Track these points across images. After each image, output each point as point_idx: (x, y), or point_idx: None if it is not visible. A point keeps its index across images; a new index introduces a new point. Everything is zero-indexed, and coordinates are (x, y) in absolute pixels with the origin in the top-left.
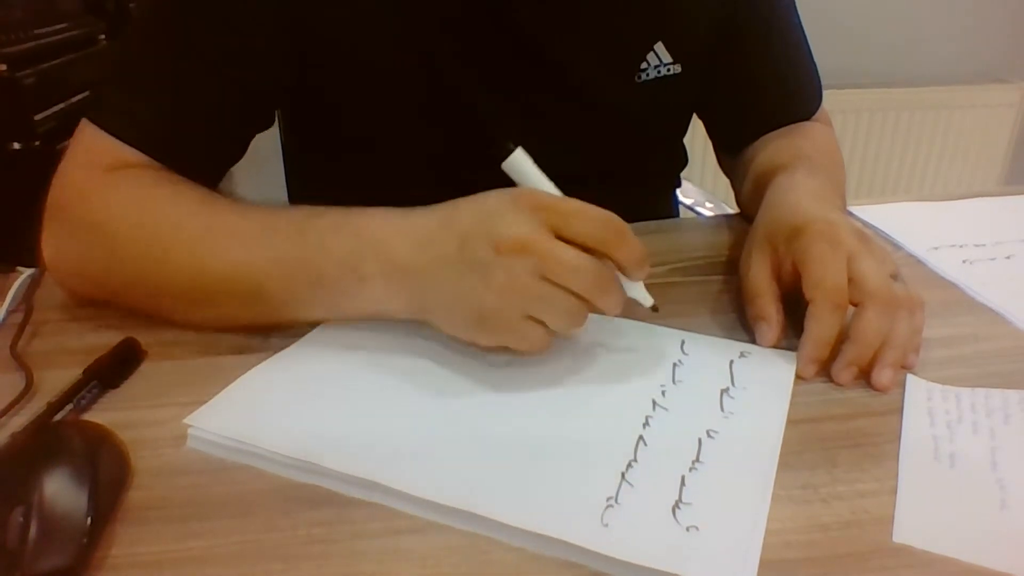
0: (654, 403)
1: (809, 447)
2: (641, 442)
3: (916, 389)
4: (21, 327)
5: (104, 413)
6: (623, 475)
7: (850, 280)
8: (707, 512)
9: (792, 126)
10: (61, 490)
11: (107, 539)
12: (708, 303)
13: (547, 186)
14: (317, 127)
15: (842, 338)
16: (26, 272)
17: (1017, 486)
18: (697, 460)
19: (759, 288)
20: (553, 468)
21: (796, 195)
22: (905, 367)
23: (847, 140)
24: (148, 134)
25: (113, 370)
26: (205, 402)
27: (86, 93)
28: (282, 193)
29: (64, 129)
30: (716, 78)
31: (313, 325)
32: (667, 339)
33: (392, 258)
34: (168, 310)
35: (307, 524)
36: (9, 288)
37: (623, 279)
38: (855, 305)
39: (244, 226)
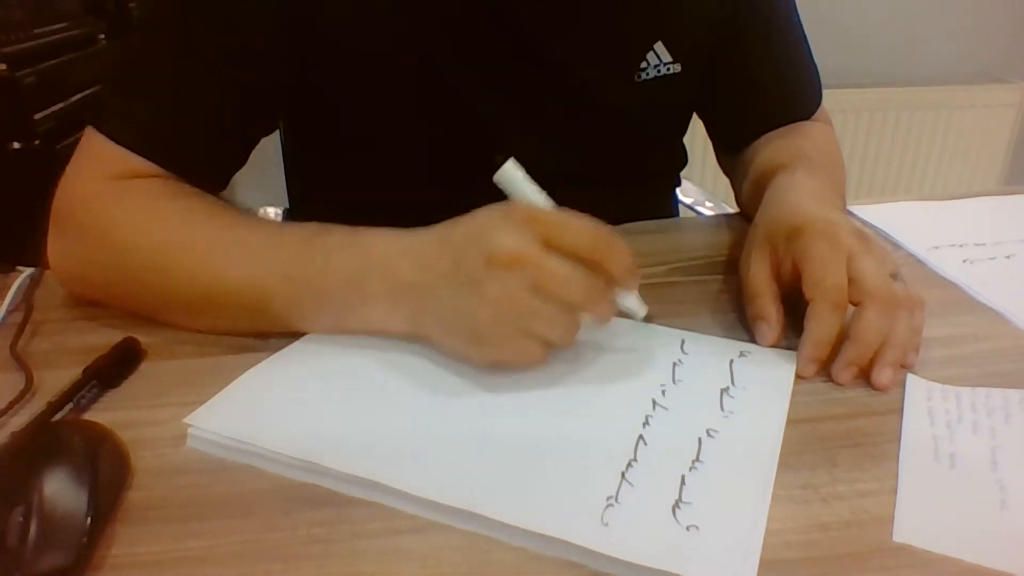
0: (654, 403)
1: (809, 447)
2: (641, 441)
3: (916, 389)
4: (21, 327)
5: (104, 413)
6: (623, 475)
7: (850, 280)
8: (707, 512)
9: (792, 126)
10: (61, 490)
11: (107, 539)
12: (708, 303)
13: (538, 198)
14: (317, 127)
15: (842, 338)
16: (26, 272)
17: (1017, 486)
18: (697, 460)
19: (759, 288)
20: (553, 468)
21: (796, 195)
22: (905, 367)
23: (847, 140)
24: (151, 139)
25: (113, 370)
26: (205, 402)
27: (86, 93)
28: (282, 193)
29: (64, 129)
30: (716, 78)
31: None
32: (667, 339)
33: (395, 278)
34: (172, 317)
35: (307, 524)
36: (9, 288)
37: (616, 289)
38: (855, 305)
39: (252, 240)
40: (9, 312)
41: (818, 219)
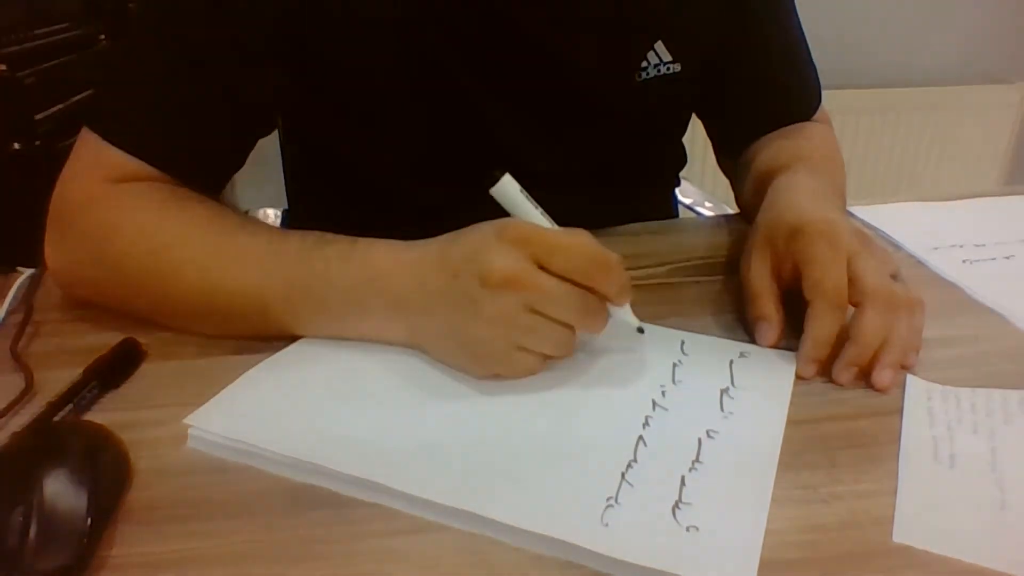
0: (654, 403)
1: (809, 447)
2: (641, 442)
3: (916, 389)
4: (21, 327)
5: (104, 413)
6: (623, 475)
7: (850, 280)
8: (707, 512)
9: (792, 126)
10: (61, 490)
11: (107, 539)
12: (708, 303)
13: (533, 214)
14: (315, 127)
15: (842, 338)
16: (26, 272)
17: (1017, 486)
18: (697, 460)
19: (759, 288)
20: (553, 468)
21: (796, 195)
22: (905, 367)
23: (847, 140)
24: (147, 140)
25: (113, 370)
26: (205, 403)
27: (86, 93)
28: (281, 194)
29: (64, 129)
30: (716, 78)
31: None
32: (667, 339)
33: (393, 292)
34: (169, 322)
35: (307, 524)
36: (9, 288)
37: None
38: (855, 305)
39: (252, 248)
40: (9, 313)
41: (818, 220)
